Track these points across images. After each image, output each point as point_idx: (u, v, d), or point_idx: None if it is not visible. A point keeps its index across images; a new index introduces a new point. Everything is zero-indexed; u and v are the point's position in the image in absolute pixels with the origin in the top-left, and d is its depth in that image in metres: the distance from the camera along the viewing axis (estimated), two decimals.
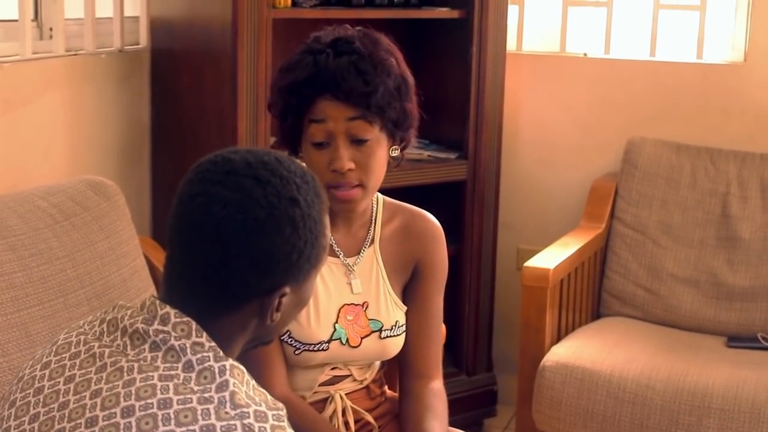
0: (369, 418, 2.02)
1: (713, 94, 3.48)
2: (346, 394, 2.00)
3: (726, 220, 3.26)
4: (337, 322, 1.95)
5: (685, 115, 3.51)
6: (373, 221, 2.02)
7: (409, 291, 2.05)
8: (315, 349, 1.93)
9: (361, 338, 1.97)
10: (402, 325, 2.01)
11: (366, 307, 1.98)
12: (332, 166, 1.85)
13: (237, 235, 1.30)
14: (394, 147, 1.93)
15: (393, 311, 2.00)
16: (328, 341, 1.93)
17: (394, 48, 1.94)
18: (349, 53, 1.86)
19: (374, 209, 2.03)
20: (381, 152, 1.89)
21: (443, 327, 2.25)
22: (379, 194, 2.05)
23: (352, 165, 1.86)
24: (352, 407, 2.00)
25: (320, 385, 1.99)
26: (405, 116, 1.92)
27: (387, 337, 1.99)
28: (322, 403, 1.99)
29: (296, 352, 1.92)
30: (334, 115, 1.85)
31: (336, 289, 1.96)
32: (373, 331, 1.98)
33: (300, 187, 1.34)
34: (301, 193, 1.34)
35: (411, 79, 1.95)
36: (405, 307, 2.03)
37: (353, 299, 1.97)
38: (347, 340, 1.95)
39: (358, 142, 1.86)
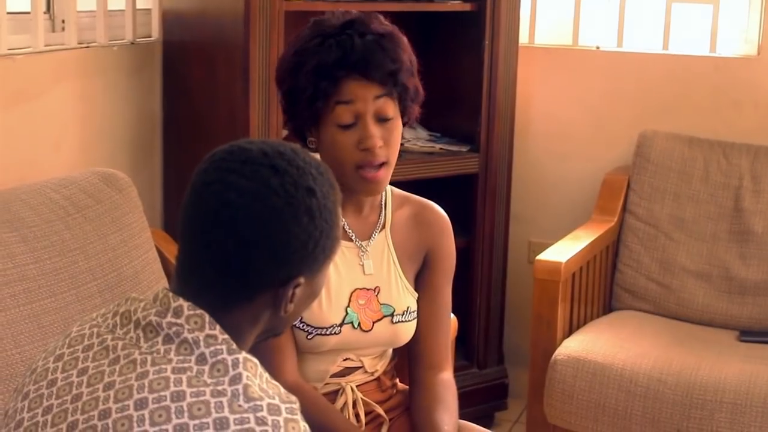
0: (380, 410, 2.03)
1: (726, 87, 3.46)
2: (357, 386, 2.01)
3: (739, 214, 3.25)
4: (348, 305, 1.96)
5: (697, 108, 3.50)
6: (383, 207, 2.03)
7: (419, 281, 2.06)
8: (327, 333, 1.93)
9: (373, 322, 1.97)
10: (414, 311, 2.02)
11: (378, 292, 1.99)
12: (363, 145, 1.87)
13: (253, 224, 1.29)
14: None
15: (405, 296, 2.01)
16: (340, 325, 1.94)
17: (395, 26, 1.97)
18: (370, 33, 1.88)
19: (384, 195, 2.04)
20: (399, 128, 1.93)
21: (455, 319, 2.25)
22: (390, 186, 2.06)
23: (381, 142, 1.88)
24: (362, 399, 2.00)
25: (331, 376, 1.99)
26: (417, 93, 1.95)
27: (399, 322, 2.00)
28: (333, 395, 1.99)
29: (308, 337, 1.92)
30: (362, 95, 1.86)
31: (348, 273, 1.97)
32: (385, 316, 1.99)
33: (316, 178, 1.34)
34: (317, 183, 1.34)
35: (414, 57, 1.97)
36: (417, 294, 2.04)
37: (365, 283, 1.98)
38: (359, 324, 1.96)
39: (382, 120, 1.88)
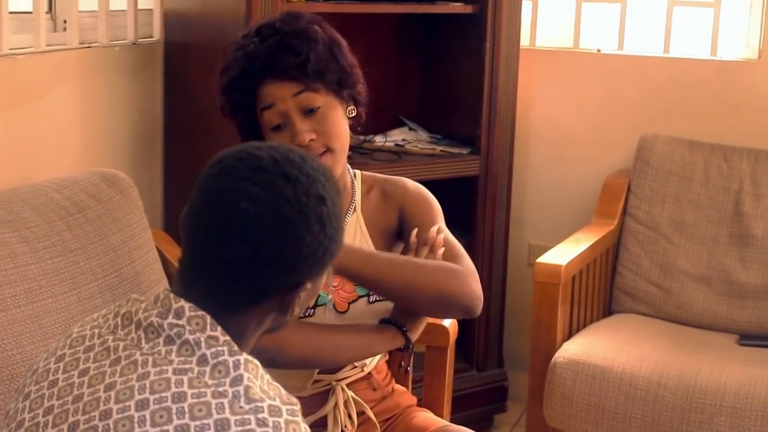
0: (370, 414, 2.03)
1: (727, 91, 3.47)
2: (348, 384, 2.01)
3: (739, 218, 3.25)
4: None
5: (698, 112, 3.50)
6: (354, 191, 2.05)
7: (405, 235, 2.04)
8: (300, 315, 1.92)
9: (348, 303, 1.98)
10: None
11: None
12: (295, 142, 1.89)
13: (266, 233, 1.29)
14: (350, 108, 1.97)
15: None
16: (314, 306, 1.95)
17: (317, 18, 1.98)
18: (273, 34, 1.90)
19: (353, 181, 2.07)
20: (335, 114, 1.93)
21: (454, 322, 2.24)
22: (356, 170, 2.09)
23: (312, 135, 1.90)
24: (354, 398, 2.00)
25: (320, 372, 1.99)
26: (346, 74, 1.96)
27: (376, 301, 2.00)
28: (324, 395, 1.99)
29: None
30: (281, 95, 1.89)
31: None
32: (361, 296, 1.99)
33: (324, 185, 1.34)
34: (326, 190, 1.34)
35: (342, 40, 1.98)
36: None
37: None
38: (334, 306, 1.97)
39: (310, 111, 1.90)
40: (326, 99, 1.92)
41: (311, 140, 1.89)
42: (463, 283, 1.95)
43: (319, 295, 1.95)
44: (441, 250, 1.96)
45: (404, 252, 1.99)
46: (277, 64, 1.88)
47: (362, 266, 1.89)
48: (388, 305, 2.00)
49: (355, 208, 2.05)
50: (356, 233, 2.03)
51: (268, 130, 1.92)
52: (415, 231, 1.98)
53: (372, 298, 2.00)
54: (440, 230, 2.00)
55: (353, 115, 1.98)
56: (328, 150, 1.91)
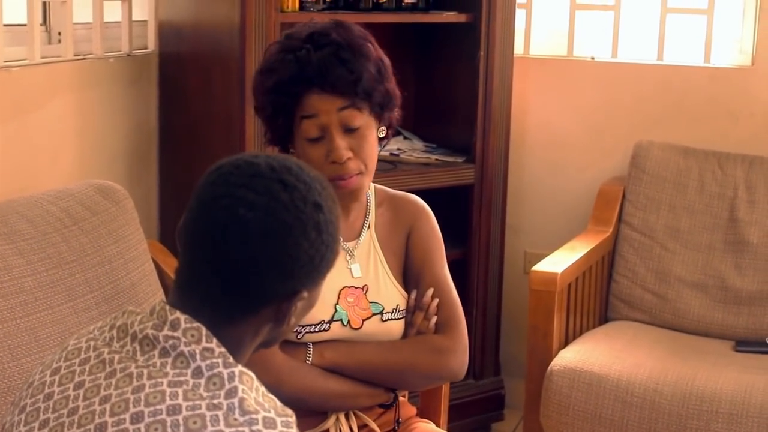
0: (373, 426, 2.03)
1: (721, 97, 3.47)
2: None
3: (734, 224, 3.25)
4: (337, 303, 1.96)
5: (692, 118, 3.51)
6: (369, 206, 2.05)
7: (407, 268, 2.06)
8: (316, 330, 1.94)
9: (363, 320, 1.98)
10: (403, 310, 2.02)
11: (366, 291, 2.00)
12: (331, 158, 1.88)
13: (263, 239, 1.29)
14: (381, 128, 1.97)
15: (393, 294, 2.02)
16: (329, 321, 1.95)
17: (367, 33, 1.97)
18: (328, 45, 1.88)
19: (368, 195, 2.06)
20: (372, 135, 1.93)
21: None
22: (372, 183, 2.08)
23: (350, 154, 1.89)
24: (354, 411, 2.00)
25: None
26: (389, 97, 1.95)
27: (388, 320, 2.00)
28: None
29: (298, 336, 1.93)
30: (325, 108, 1.88)
31: (336, 272, 1.94)
32: (375, 314, 1.99)
33: (321, 193, 1.35)
34: (323, 198, 1.35)
35: (387, 61, 1.98)
36: (406, 294, 2.04)
37: (353, 282, 1.99)
38: (348, 322, 1.96)
39: (350, 130, 1.89)
40: (367, 119, 1.91)
41: (348, 158, 1.89)
42: (445, 362, 2.02)
43: (335, 311, 1.95)
44: (434, 319, 2.02)
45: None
46: (329, 77, 1.86)
47: (348, 358, 1.95)
48: (400, 324, 2.01)
49: (369, 224, 2.04)
50: (370, 251, 2.03)
51: (303, 140, 1.90)
52: (413, 294, 2.02)
53: (385, 317, 2.00)
54: (437, 289, 2.04)
55: (382, 136, 1.98)
56: (360, 172, 1.91)
